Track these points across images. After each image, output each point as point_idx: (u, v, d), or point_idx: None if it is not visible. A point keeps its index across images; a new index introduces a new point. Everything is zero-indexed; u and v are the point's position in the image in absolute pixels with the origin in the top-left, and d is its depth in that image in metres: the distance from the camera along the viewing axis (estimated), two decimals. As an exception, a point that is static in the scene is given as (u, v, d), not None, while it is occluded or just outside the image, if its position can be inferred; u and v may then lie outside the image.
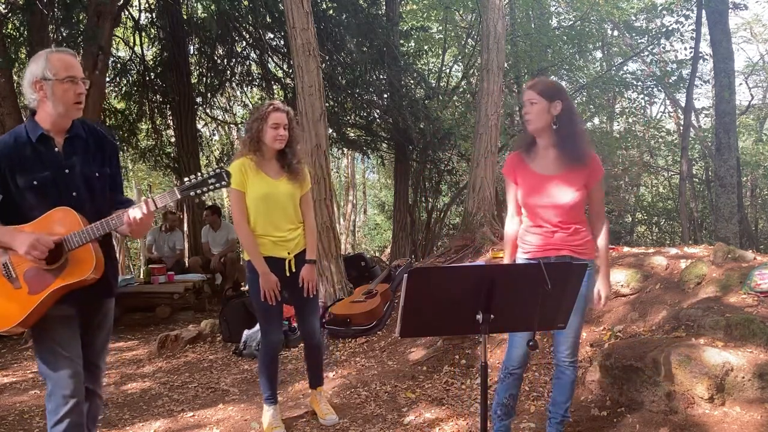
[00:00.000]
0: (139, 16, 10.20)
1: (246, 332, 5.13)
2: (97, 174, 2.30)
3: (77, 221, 2.17)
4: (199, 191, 2.23)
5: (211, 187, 2.24)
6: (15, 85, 6.66)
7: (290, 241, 3.18)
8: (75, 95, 2.18)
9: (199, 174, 2.25)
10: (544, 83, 2.62)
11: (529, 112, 2.58)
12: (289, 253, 3.17)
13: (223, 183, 2.25)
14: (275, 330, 3.20)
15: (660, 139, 15.08)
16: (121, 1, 7.53)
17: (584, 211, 2.69)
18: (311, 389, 3.50)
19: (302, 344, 3.72)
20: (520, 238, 2.75)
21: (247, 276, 3.18)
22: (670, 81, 13.61)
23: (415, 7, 13.15)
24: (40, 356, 2.22)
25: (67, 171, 2.22)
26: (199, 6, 10.56)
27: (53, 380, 2.19)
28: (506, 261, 2.87)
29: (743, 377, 2.92)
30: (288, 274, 3.17)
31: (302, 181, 3.22)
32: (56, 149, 2.22)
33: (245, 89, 11.45)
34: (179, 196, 2.21)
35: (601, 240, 2.70)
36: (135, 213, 2.15)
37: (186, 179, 2.24)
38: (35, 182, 2.16)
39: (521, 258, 2.74)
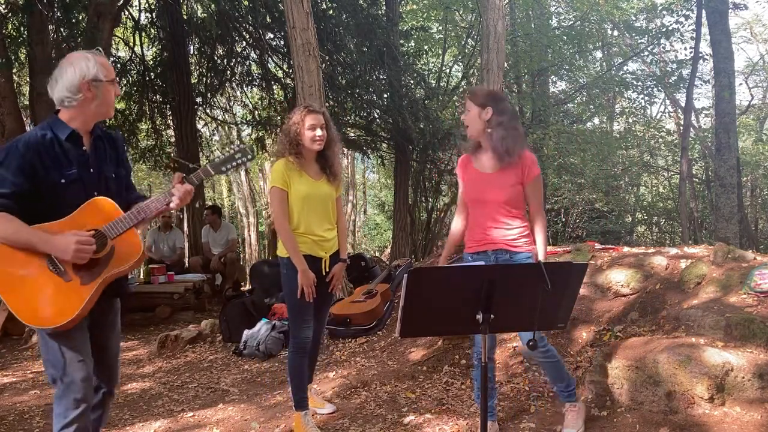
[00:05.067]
0: (139, 16, 10.20)
1: (246, 332, 5.13)
2: (113, 175, 2.32)
3: (115, 209, 2.21)
4: (229, 166, 2.42)
5: (238, 161, 2.44)
6: (15, 85, 6.65)
7: (328, 242, 3.24)
8: (115, 96, 2.26)
9: (226, 152, 2.42)
10: (477, 92, 2.93)
11: (464, 117, 2.91)
12: (326, 253, 3.22)
13: (249, 157, 2.46)
14: (307, 327, 3.22)
15: (660, 139, 15.08)
16: (121, 1, 7.52)
17: (523, 207, 2.93)
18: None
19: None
20: (466, 236, 3.00)
21: (282, 273, 3.19)
22: (670, 81, 13.62)
23: (415, 7, 13.15)
24: (54, 358, 2.16)
25: (92, 170, 2.24)
26: (199, 6, 10.56)
27: (66, 383, 2.15)
28: (441, 259, 3.13)
29: (743, 377, 2.92)
30: (323, 274, 3.22)
31: (339, 182, 3.30)
32: (84, 148, 2.24)
33: (245, 89, 11.44)
34: (213, 173, 2.41)
35: (538, 235, 2.92)
36: (183, 188, 2.29)
37: (216, 157, 2.37)
38: (63, 180, 2.16)
39: (465, 256, 2.97)
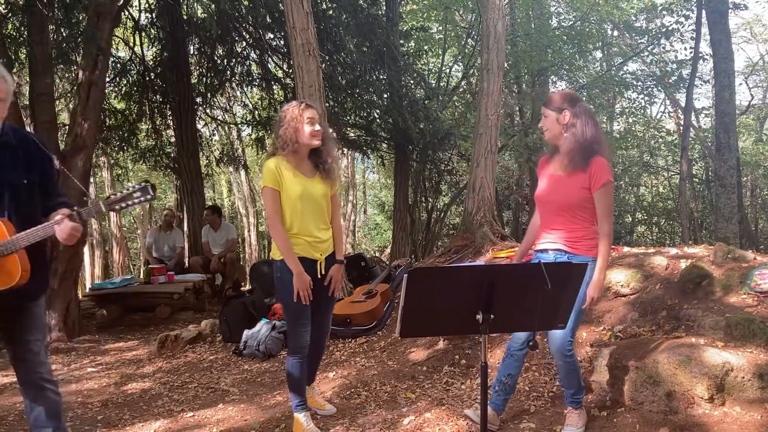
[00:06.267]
0: (139, 16, 10.18)
1: (246, 332, 5.13)
2: (25, 181, 2.26)
3: (2, 231, 2.16)
4: (124, 205, 2.28)
5: (136, 200, 2.29)
6: (15, 85, 6.63)
7: (324, 242, 3.16)
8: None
9: (124, 188, 2.30)
10: (555, 96, 2.96)
11: (542, 124, 2.96)
12: (321, 255, 3.15)
13: (148, 197, 2.30)
14: (305, 331, 3.15)
15: (660, 139, 15.09)
16: (121, 1, 7.51)
17: (592, 213, 2.86)
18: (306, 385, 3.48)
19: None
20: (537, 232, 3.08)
21: (276, 276, 3.10)
22: (670, 81, 13.62)
23: (415, 7, 13.15)
24: None
25: None
26: (199, 6, 10.55)
27: None
28: (521, 246, 3.22)
29: (743, 377, 2.92)
30: (319, 276, 3.15)
31: (334, 180, 3.22)
32: None
33: (245, 89, 11.43)
34: (105, 210, 2.29)
35: (599, 247, 2.84)
36: (63, 227, 2.18)
37: (112, 194, 2.29)
38: None
39: (534, 252, 3.06)
